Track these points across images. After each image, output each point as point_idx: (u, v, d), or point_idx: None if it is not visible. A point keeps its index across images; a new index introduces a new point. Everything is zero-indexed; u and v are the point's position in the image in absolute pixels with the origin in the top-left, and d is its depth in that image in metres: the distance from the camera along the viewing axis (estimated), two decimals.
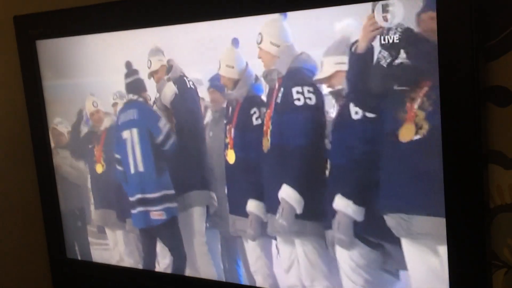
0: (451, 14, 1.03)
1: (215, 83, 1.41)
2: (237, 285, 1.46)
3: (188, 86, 1.46)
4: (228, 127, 1.41)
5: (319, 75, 1.22)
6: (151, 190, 1.54)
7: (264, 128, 1.33)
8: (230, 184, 1.42)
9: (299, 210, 1.29)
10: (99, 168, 1.64)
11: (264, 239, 1.38)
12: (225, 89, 1.40)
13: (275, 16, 1.26)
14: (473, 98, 1.04)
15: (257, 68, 1.33)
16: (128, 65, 1.50)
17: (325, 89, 1.23)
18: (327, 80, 1.21)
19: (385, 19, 1.10)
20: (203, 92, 1.43)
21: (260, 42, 1.29)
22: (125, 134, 1.55)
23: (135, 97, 1.53)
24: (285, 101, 1.28)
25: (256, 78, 1.34)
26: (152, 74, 1.49)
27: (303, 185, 1.29)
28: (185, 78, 1.45)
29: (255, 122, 1.35)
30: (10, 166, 1.68)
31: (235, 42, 1.34)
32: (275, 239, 1.36)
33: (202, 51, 1.40)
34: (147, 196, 1.54)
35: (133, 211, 1.57)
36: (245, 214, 1.39)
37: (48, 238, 1.73)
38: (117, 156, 1.58)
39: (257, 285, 1.42)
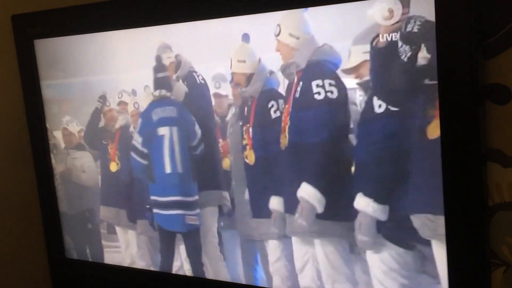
0: (450, 12, 1.03)
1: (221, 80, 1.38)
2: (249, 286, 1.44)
3: (198, 81, 1.43)
4: (245, 127, 1.36)
5: (346, 65, 1.18)
6: (189, 193, 1.48)
7: (282, 124, 1.29)
8: (252, 186, 1.38)
9: (320, 209, 1.25)
10: (113, 167, 1.61)
11: (286, 238, 1.34)
12: (239, 88, 1.36)
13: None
14: (472, 96, 1.04)
15: (272, 63, 1.29)
16: (158, 59, 1.46)
17: (349, 82, 1.19)
18: (354, 70, 1.17)
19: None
20: (226, 89, 1.38)
21: (278, 34, 1.25)
22: (163, 130, 1.49)
23: (168, 94, 1.47)
24: (305, 96, 1.24)
25: (271, 72, 1.31)
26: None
27: (324, 183, 1.25)
28: (194, 73, 1.42)
29: (273, 115, 1.31)
30: (8, 166, 1.68)
31: (245, 37, 1.31)
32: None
33: (214, 47, 1.37)
34: (185, 200, 1.48)
35: (162, 212, 1.52)
36: (268, 215, 1.35)
37: (47, 238, 1.73)
38: (145, 150, 1.53)
39: (274, 286, 1.38)
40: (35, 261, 1.75)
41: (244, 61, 1.33)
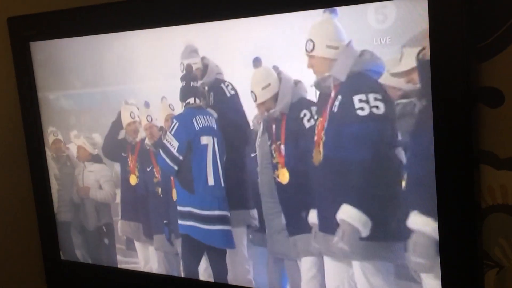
0: (443, 15, 1.04)
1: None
2: None
3: (228, 94, 1.33)
4: (274, 146, 1.27)
5: (396, 69, 1.08)
6: (227, 207, 1.39)
7: (316, 138, 1.19)
8: (286, 205, 1.29)
9: (365, 233, 1.16)
10: (133, 180, 1.54)
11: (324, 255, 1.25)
12: (266, 112, 1.28)
13: (324, 16, 1.14)
14: (465, 99, 1.05)
15: (293, 72, 1.21)
16: (189, 68, 1.37)
17: (396, 94, 1.09)
18: (407, 74, 1.07)
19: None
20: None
21: (312, 49, 1.16)
22: (205, 139, 1.39)
23: (203, 103, 1.38)
24: (344, 111, 1.14)
25: (296, 82, 1.22)
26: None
27: (369, 203, 1.15)
28: (222, 85, 1.32)
29: (307, 124, 1.21)
30: (3, 167, 1.67)
31: (257, 62, 1.24)
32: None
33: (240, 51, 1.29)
34: (227, 214, 1.39)
35: (201, 226, 1.42)
36: (307, 230, 1.26)
37: (42, 239, 1.73)
38: (179, 157, 1.42)
39: None
40: (30, 263, 1.74)
41: (269, 84, 1.25)
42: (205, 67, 1.34)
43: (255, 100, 1.28)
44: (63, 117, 1.62)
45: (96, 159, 1.60)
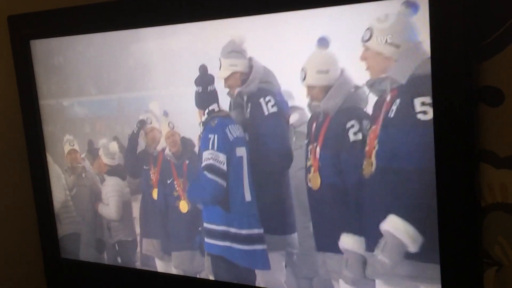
0: (444, 15, 1.04)
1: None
2: None
3: (266, 112, 1.22)
4: (311, 146, 1.17)
5: None
6: (260, 225, 1.28)
7: (367, 148, 1.10)
8: (316, 214, 1.20)
9: (412, 248, 1.10)
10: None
11: (366, 282, 1.16)
12: (310, 101, 1.17)
13: (399, 8, 1.03)
14: (466, 98, 1.06)
15: (359, 75, 1.09)
16: (203, 69, 1.27)
17: None
18: None
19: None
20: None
21: (369, 39, 1.05)
22: (240, 151, 1.27)
23: (227, 111, 1.28)
24: (403, 115, 1.06)
25: (356, 87, 1.11)
26: (225, 81, 1.25)
27: (421, 216, 1.08)
28: (262, 100, 1.21)
29: (353, 138, 1.12)
30: (3, 166, 1.67)
31: (322, 42, 1.11)
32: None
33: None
34: (263, 232, 1.29)
35: (237, 246, 1.31)
36: (337, 250, 1.19)
37: (42, 237, 1.73)
38: (225, 170, 1.29)
39: None
40: (30, 261, 1.74)
41: (327, 71, 1.12)
42: (249, 70, 1.22)
43: (303, 79, 1.15)
44: (77, 124, 1.58)
45: (112, 172, 1.54)
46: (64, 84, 1.59)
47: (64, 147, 1.61)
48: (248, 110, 1.24)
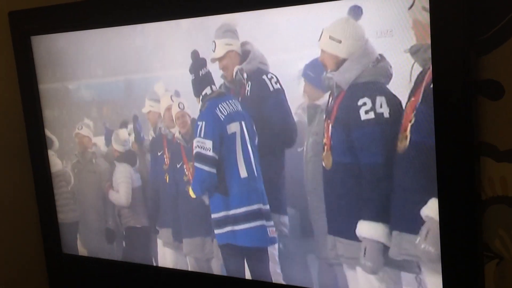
0: (444, 9, 1.04)
1: (307, 73, 1.13)
2: None
3: (271, 88, 1.20)
4: (326, 123, 1.13)
5: None
6: (265, 200, 1.25)
7: (403, 121, 1.05)
8: (328, 195, 1.16)
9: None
10: (167, 179, 1.43)
11: (389, 270, 1.12)
12: (324, 71, 1.11)
13: None
14: (465, 92, 1.06)
15: (382, 45, 1.03)
16: (195, 55, 1.25)
17: None
18: None
19: None
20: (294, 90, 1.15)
21: (411, 6, 1.00)
22: (233, 127, 1.26)
23: (224, 91, 1.25)
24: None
25: (378, 60, 1.06)
26: (219, 62, 1.23)
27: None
28: (265, 77, 1.19)
29: (364, 117, 1.08)
30: (5, 161, 1.68)
31: (355, 11, 1.05)
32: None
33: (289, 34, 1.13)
34: (265, 208, 1.26)
35: (238, 227, 1.29)
36: (351, 236, 1.15)
37: (43, 232, 1.73)
38: (216, 156, 1.28)
39: None
40: (31, 256, 1.75)
41: (340, 42, 1.08)
42: (246, 52, 1.20)
43: (318, 39, 1.11)
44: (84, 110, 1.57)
45: (121, 158, 1.53)
46: (65, 79, 1.59)
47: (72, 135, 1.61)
48: (249, 88, 1.23)
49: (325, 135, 1.14)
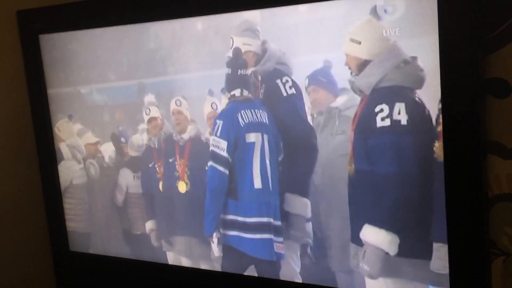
0: (452, 8, 1.05)
1: (318, 79, 1.11)
2: None
3: (284, 93, 1.17)
4: (351, 127, 1.10)
5: None
6: (277, 215, 1.24)
7: (439, 128, 1.03)
8: (352, 203, 1.14)
9: None
10: (182, 187, 1.40)
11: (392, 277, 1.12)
12: (351, 73, 1.08)
13: None
14: (473, 90, 1.07)
15: (412, 47, 0.98)
16: (237, 51, 1.20)
17: None
18: None
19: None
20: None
21: None
22: (253, 137, 1.24)
23: (252, 96, 1.22)
24: None
25: (406, 61, 1.02)
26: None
27: None
28: (279, 81, 1.17)
29: (380, 124, 1.05)
30: (12, 160, 1.68)
31: (377, 11, 1.02)
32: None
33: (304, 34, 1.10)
34: (273, 223, 1.25)
35: (245, 235, 1.29)
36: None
37: (51, 231, 1.74)
38: (229, 158, 1.26)
39: None
40: (38, 254, 1.75)
41: (359, 43, 1.05)
42: (263, 52, 1.17)
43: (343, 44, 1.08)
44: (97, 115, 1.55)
45: (129, 162, 1.52)
46: (73, 78, 1.60)
47: (81, 138, 1.60)
48: (262, 90, 1.20)
49: (350, 142, 1.13)
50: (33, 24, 1.60)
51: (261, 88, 1.21)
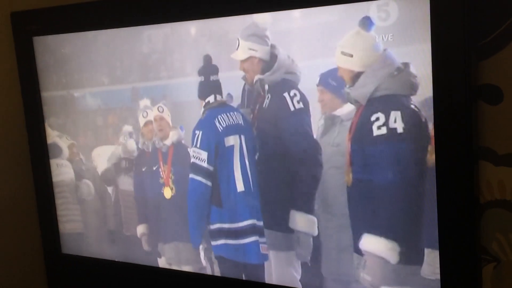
0: (444, 14, 1.05)
1: (326, 81, 1.10)
2: None
3: (292, 107, 1.15)
4: (347, 137, 1.11)
5: None
6: (259, 216, 1.23)
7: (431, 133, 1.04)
8: (352, 214, 1.13)
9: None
10: (168, 193, 1.40)
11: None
12: (344, 85, 1.08)
13: None
14: (465, 96, 1.07)
15: (403, 55, 0.99)
16: (207, 59, 1.21)
17: None
18: None
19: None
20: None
21: None
22: (232, 140, 1.24)
23: (227, 101, 1.23)
24: None
25: (400, 69, 1.03)
26: (241, 63, 1.18)
27: None
28: (286, 95, 1.15)
29: (376, 132, 1.05)
30: (5, 162, 1.68)
31: (365, 23, 1.03)
32: None
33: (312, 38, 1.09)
34: (258, 224, 1.24)
35: (232, 242, 1.28)
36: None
37: (42, 233, 1.73)
38: (210, 168, 1.26)
39: None
40: (30, 256, 1.75)
41: (351, 56, 1.05)
42: (272, 60, 1.14)
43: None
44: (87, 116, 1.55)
45: (119, 166, 1.52)
46: (67, 81, 1.59)
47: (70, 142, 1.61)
48: (267, 100, 1.18)
49: (347, 152, 1.12)
50: (27, 26, 1.60)
51: (266, 97, 1.18)
